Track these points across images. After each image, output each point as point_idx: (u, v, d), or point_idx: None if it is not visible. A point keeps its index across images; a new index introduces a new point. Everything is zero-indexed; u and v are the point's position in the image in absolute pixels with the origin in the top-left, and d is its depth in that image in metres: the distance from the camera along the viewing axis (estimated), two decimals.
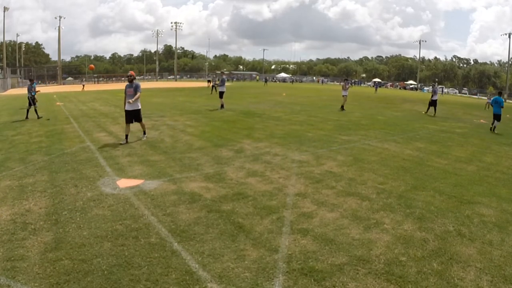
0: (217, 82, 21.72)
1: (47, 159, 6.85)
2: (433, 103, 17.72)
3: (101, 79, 66.05)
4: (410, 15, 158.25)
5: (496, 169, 6.99)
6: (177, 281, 2.95)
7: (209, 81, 49.93)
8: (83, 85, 40.82)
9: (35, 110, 13.25)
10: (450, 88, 66.91)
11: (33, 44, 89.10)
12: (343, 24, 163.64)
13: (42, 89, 23.16)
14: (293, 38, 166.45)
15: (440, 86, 69.82)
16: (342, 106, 17.85)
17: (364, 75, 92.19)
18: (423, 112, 18.29)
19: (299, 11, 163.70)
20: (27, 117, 12.93)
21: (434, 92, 18.17)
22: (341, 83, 20.62)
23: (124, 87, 8.52)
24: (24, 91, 23.02)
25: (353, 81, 56.76)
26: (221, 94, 16.43)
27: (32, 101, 13.12)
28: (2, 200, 4.67)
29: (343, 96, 18.01)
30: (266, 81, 64.84)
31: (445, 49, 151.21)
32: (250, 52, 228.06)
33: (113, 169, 6.17)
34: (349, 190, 5.33)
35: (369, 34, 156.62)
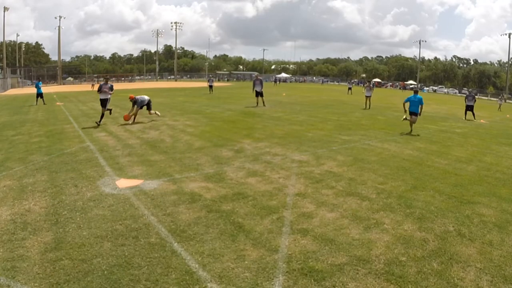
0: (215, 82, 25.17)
1: (47, 159, 6.85)
2: (467, 108, 17.31)
3: (101, 79, 66.08)
4: (401, 13, 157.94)
5: (496, 169, 6.98)
6: (177, 281, 2.95)
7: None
8: (93, 85, 40.94)
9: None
10: (450, 88, 66.88)
11: (33, 44, 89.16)
12: (330, 22, 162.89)
13: (44, 89, 23.51)
14: (287, 38, 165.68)
15: (440, 86, 69.66)
16: (368, 105, 19.49)
17: (364, 75, 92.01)
18: (463, 118, 16.77)
19: (291, 9, 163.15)
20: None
21: (466, 98, 17.71)
22: (365, 85, 23.84)
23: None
24: (24, 91, 23.95)
25: (353, 81, 56.73)
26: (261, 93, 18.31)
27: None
28: (2, 200, 4.68)
29: (366, 96, 19.93)
30: (276, 81, 58.62)
31: (438, 47, 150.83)
32: (239, 51, 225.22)
33: (113, 169, 6.17)
34: (349, 190, 5.33)
35: (359, 32, 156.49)
